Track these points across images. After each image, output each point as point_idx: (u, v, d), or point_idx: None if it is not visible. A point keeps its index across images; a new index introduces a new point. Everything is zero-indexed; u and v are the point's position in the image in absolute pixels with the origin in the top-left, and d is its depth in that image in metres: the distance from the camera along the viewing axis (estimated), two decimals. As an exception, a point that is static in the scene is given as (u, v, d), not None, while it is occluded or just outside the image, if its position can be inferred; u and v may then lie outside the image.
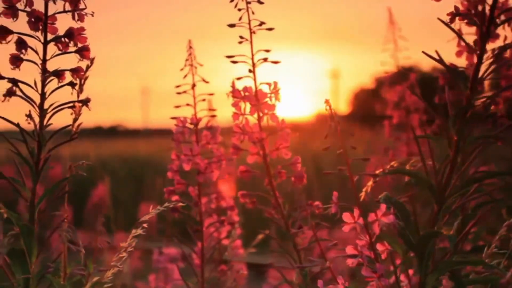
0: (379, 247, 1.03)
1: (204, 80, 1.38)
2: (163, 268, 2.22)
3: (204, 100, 1.37)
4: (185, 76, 1.37)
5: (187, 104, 1.36)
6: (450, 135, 0.94)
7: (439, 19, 0.94)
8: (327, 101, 0.95)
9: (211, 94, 1.38)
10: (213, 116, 1.38)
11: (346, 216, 1.02)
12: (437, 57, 0.95)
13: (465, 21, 0.94)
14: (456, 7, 0.96)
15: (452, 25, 1.01)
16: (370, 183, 1.25)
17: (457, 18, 0.94)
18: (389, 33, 2.19)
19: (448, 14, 1.00)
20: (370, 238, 1.01)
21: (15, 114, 1.08)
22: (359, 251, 0.99)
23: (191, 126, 1.35)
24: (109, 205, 3.79)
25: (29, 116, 1.09)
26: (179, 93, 1.37)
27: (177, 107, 1.38)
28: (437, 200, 0.99)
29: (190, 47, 1.37)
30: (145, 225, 1.08)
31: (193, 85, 1.37)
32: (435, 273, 1.01)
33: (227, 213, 1.45)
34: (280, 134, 1.23)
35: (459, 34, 0.95)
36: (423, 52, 0.94)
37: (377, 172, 1.30)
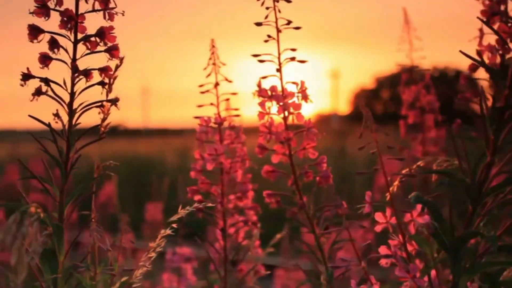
0: (407, 247, 1.03)
1: (227, 80, 1.37)
2: (176, 268, 2.22)
3: (228, 99, 1.36)
4: (208, 75, 1.36)
5: (211, 104, 1.36)
6: (487, 135, 0.94)
7: (478, 18, 0.94)
8: (361, 103, 0.94)
9: (234, 94, 1.37)
10: (237, 115, 1.37)
11: (378, 216, 1.02)
12: (477, 57, 0.94)
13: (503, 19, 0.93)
14: (492, 6, 0.95)
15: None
16: (396, 182, 1.24)
17: (494, 17, 0.93)
18: (404, 33, 2.18)
19: (482, 13, 0.99)
20: (403, 238, 1.01)
21: (38, 113, 1.08)
22: (393, 251, 0.99)
23: (215, 126, 1.34)
24: (116, 204, 3.79)
25: (56, 115, 1.08)
26: (202, 92, 1.36)
27: (199, 106, 1.37)
28: (472, 200, 0.98)
29: (213, 46, 1.37)
30: (174, 225, 1.07)
31: (216, 84, 1.36)
32: (469, 274, 1.00)
33: (244, 213, 1.45)
34: (307, 133, 1.23)
35: (498, 33, 0.94)
36: (461, 51, 0.93)
37: (403, 171, 1.30)
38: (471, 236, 0.95)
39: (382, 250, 1.00)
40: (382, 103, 25.12)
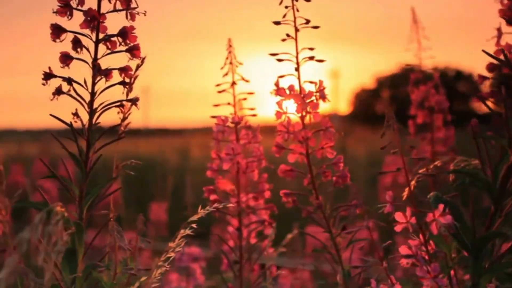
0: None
1: (243, 79, 1.37)
2: (184, 268, 2.22)
3: (245, 99, 1.36)
4: (225, 74, 1.36)
5: (228, 103, 1.36)
6: (510, 135, 0.94)
7: (503, 17, 0.94)
8: (384, 104, 0.94)
9: (251, 93, 1.37)
10: (253, 115, 1.37)
11: (398, 216, 1.02)
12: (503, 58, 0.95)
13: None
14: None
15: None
16: (412, 182, 1.24)
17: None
18: (413, 32, 2.18)
19: (501, 13, 0.99)
20: (424, 238, 1.01)
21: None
22: (414, 251, 0.99)
23: (232, 125, 1.34)
24: (122, 204, 3.78)
25: (75, 114, 1.08)
26: (219, 91, 1.36)
27: (216, 105, 1.38)
28: (494, 200, 0.98)
29: (230, 46, 1.37)
30: (194, 225, 1.07)
31: (233, 83, 1.37)
32: (489, 274, 1.00)
33: (257, 213, 1.45)
34: (324, 133, 1.23)
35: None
36: (483, 51, 0.93)
37: (420, 171, 1.30)
38: (494, 236, 0.95)
39: (403, 250, 1.00)
40: (382, 103, 25.15)
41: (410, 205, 1.01)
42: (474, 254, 0.98)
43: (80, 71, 1.09)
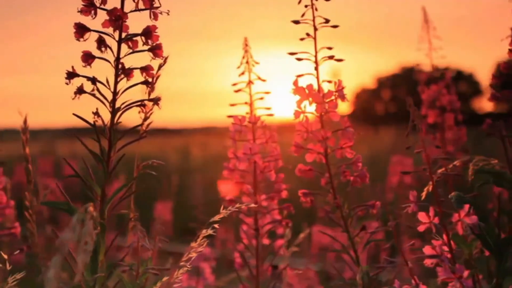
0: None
1: (260, 78, 1.37)
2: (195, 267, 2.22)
3: (262, 98, 1.36)
4: (242, 73, 1.36)
5: (245, 103, 1.35)
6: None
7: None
8: (410, 105, 0.94)
9: (268, 93, 1.37)
10: (270, 114, 1.36)
11: (421, 216, 1.02)
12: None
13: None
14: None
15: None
16: (431, 182, 1.24)
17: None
18: (424, 32, 2.18)
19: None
20: (448, 238, 1.01)
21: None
22: (439, 252, 0.99)
23: (249, 125, 1.34)
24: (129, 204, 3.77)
25: (96, 113, 1.08)
26: (236, 91, 1.36)
27: (232, 105, 1.37)
28: (520, 200, 0.98)
29: (246, 45, 1.36)
30: (217, 225, 1.07)
31: (249, 83, 1.36)
32: (513, 275, 1.00)
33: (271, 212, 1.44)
34: (344, 133, 1.23)
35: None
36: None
37: (440, 171, 1.30)
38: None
39: (427, 250, 1.00)
40: (383, 103, 25.15)
41: (434, 205, 1.01)
42: (497, 255, 0.98)
43: (98, 70, 1.09)
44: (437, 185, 1.08)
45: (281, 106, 1.40)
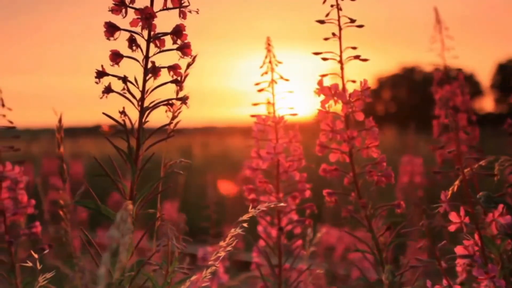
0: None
1: (282, 78, 1.36)
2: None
3: (285, 98, 1.36)
4: (265, 73, 1.36)
5: (268, 103, 1.35)
6: None
7: None
8: (452, 106, 0.93)
9: (291, 92, 1.37)
10: (294, 114, 1.36)
11: (453, 216, 1.02)
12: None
13: None
14: None
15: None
16: (456, 182, 1.24)
17: None
18: (436, 32, 2.18)
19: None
20: (480, 238, 1.00)
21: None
22: (472, 252, 0.99)
23: (272, 124, 1.34)
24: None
25: (123, 113, 1.08)
26: (259, 90, 1.36)
27: (255, 104, 1.37)
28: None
29: (269, 45, 1.36)
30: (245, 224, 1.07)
31: (272, 82, 1.36)
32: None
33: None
34: (369, 132, 1.22)
35: None
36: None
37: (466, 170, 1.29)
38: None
39: (459, 250, 1.00)
40: (383, 103, 25.15)
41: (465, 205, 1.01)
42: (529, 255, 0.98)
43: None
44: (466, 185, 1.08)
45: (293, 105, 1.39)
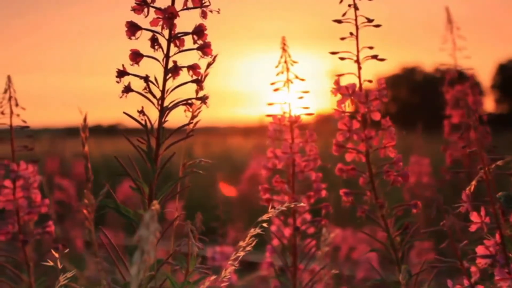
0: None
1: (298, 77, 1.36)
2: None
3: (302, 97, 1.35)
4: (281, 72, 1.36)
5: (284, 102, 1.35)
6: None
7: None
8: (467, 106, 0.93)
9: (307, 92, 1.36)
10: (310, 114, 1.36)
11: (474, 216, 1.02)
12: None
13: None
14: None
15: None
16: (473, 182, 1.24)
17: None
18: (447, 32, 2.18)
19: None
20: (501, 238, 1.00)
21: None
22: (493, 252, 0.98)
23: (288, 124, 1.34)
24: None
25: (141, 112, 1.08)
26: (275, 90, 1.35)
27: (270, 104, 1.37)
28: None
29: (284, 44, 1.36)
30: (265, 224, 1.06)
31: (288, 81, 1.36)
32: None
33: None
34: (386, 132, 1.22)
35: None
36: None
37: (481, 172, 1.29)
38: None
39: (480, 250, 1.00)
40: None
41: (485, 205, 1.00)
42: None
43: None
44: (483, 185, 1.08)
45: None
